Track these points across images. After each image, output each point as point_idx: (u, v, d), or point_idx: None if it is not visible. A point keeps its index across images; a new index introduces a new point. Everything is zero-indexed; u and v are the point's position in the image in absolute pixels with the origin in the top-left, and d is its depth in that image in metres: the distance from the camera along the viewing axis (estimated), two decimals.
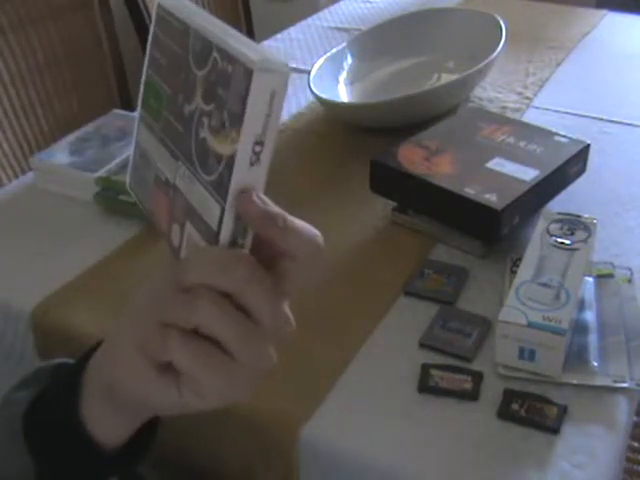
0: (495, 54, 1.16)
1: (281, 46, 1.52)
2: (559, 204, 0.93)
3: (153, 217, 0.49)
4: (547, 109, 1.25)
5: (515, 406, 0.68)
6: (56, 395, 0.49)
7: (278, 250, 0.40)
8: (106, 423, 0.47)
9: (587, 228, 0.82)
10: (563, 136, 0.98)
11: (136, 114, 0.52)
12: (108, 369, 0.45)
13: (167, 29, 0.47)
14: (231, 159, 0.39)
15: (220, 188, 0.40)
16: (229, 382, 0.40)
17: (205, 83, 0.41)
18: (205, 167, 0.41)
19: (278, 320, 0.40)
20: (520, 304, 0.72)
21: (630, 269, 0.84)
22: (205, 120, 0.41)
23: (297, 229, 0.40)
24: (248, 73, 0.37)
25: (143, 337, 0.41)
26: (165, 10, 0.47)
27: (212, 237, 0.41)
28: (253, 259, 0.40)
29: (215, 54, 0.40)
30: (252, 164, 0.39)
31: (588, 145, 0.97)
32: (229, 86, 0.39)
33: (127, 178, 0.53)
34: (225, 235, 0.40)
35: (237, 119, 0.38)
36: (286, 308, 0.41)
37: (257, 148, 0.39)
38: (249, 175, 0.39)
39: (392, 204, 0.96)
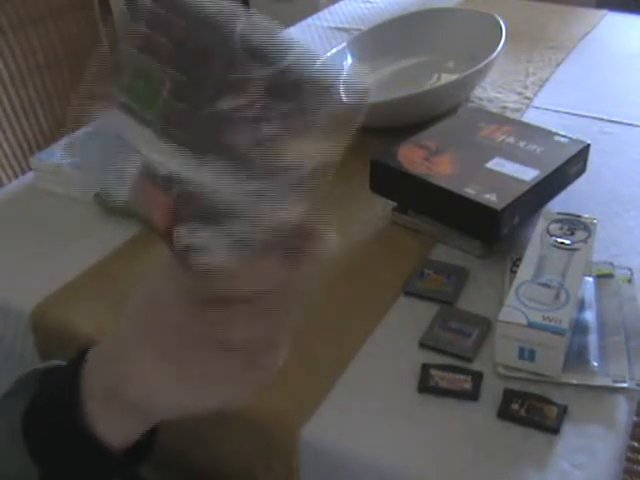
0: (495, 54, 1.16)
1: None
2: (559, 204, 0.93)
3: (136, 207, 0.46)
4: (547, 109, 1.25)
5: (515, 406, 0.68)
6: (54, 398, 0.49)
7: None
8: (114, 425, 0.47)
9: (587, 228, 0.82)
10: (563, 136, 0.98)
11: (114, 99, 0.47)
12: (120, 374, 0.45)
13: (177, 7, 0.43)
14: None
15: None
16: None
17: (273, 82, 0.40)
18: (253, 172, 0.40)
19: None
20: (520, 304, 0.72)
21: (630, 269, 0.84)
22: (275, 123, 0.39)
23: None
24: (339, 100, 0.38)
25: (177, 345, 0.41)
26: None
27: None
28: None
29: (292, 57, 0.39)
30: None
31: (588, 145, 0.97)
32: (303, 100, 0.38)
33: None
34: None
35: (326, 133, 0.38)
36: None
37: None
38: None
39: (392, 204, 0.96)
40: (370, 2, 1.77)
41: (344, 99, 0.37)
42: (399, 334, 0.77)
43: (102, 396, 0.46)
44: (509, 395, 0.69)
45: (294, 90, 0.39)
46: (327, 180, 0.40)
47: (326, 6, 1.77)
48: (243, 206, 0.40)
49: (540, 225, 0.83)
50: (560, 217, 0.84)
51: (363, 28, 1.43)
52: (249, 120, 0.40)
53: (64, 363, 0.52)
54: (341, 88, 0.37)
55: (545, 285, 0.74)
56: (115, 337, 0.46)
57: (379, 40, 1.35)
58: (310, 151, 0.39)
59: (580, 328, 0.76)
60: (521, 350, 0.70)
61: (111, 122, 0.45)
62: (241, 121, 0.40)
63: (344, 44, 1.33)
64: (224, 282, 0.40)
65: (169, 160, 0.43)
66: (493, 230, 0.85)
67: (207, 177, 0.41)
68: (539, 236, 0.81)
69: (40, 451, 0.49)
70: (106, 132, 0.45)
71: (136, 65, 0.44)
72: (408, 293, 0.83)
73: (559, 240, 0.80)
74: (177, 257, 0.43)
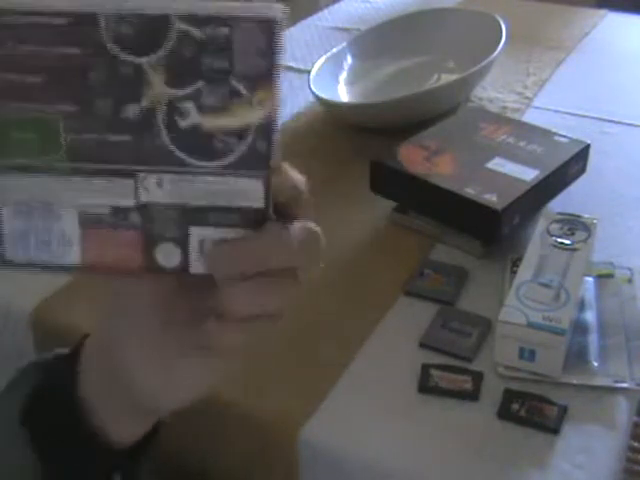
0: (495, 54, 1.16)
1: None
2: (559, 204, 0.93)
3: (96, 266, 0.41)
4: (547, 109, 1.25)
5: (515, 406, 0.68)
6: (54, 397, 0.49)
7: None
8: (119, 422, 0.47)
9: (587, 228, 0.82)
10: (563, 136, 0.98)
11: None
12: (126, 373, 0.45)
13: (25, 36, 0.36)
14: (265, 123, 0.36)
15: (253, 162, 0.37)
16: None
17: (170, 64, 0.36)
18: (208, 154, 0.37)
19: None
20: (520, 304, 0.72)
21: (630, 269, 0.84)
22: (188, 105, 0.36)
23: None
24: (268, 24, 0.34)
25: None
26: (5, 13, 0.36)
27: (258, 216, 0.38)
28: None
29: (179, 25, 0.35)
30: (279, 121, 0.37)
31: (588, 145, 0.97)
32: (231, 49, 0.35)
33: (4, 254, 0.42)
34: (271, 208, 0.38)
35: (263, 77, 0.35)
36: None
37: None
38: (279, 135, 0.37)
39: (392, 204, 0.96)
40: (370, 2, 1.77)
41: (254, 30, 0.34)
42: (399, 334, 0.77)
43: (99, 387, 0.47)
44: (509, 395, 0.69)
45: (193, 65, 0.36)
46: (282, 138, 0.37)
47: (326, 6, 1.77)
48: (208, 202, 0.38)
49: (540, 225, 0.83)
50: (560, 217, 0.84)
51: (363, 28, 1.43)
52: (164, 117, 0.37)
53: (66, 351, 0.52)
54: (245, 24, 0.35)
55: (545, 285, 0.74)
56: (99, 336, 0.47)
57: (379, 40, 1.35)
58: (242, 119, 0.36)
59: (580, 328, 0.76)
60: (521, 350, 0.70)
61: (16, 193, 0.39)
62: (155, 121, 0.37)
63: (344, 44, 1.33)
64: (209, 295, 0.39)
65: (104, 196, 0.39)
66: (493, 230, 0.85)
67: (155, 194, 0.38)
68: (539, 236, 0.81)
69: (39, 442, 0.49)
70: (19, 204, 0.39)
71: (16, 119, 0.38)
72: (408, 293, 0.83)
73: (559, 240, 0.80)
74: (168, 275, 0.40)
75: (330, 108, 1.19)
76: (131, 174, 0.38)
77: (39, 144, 0.38)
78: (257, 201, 0.38)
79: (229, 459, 0.73)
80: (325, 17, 1.69)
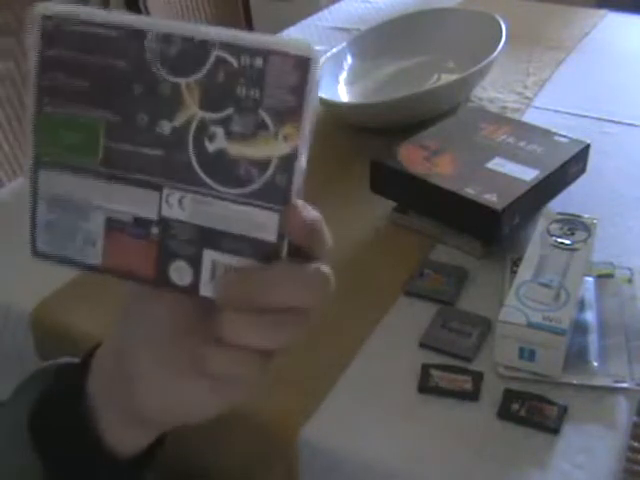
0: (495, 54, 1.16)
1: None
2: (559, 204, 0.93)
3: (113, 269, 0.43)
4: (547, 109, 1.25)
5: (515, 406, 0.68)
6: (61, 404, 0.49)
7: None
8: (123, 435, 0.47)
9: (587, 228, 0.82)
10: (563, 136, 0.98)
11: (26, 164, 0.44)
12: (128, 388, 0.44)
13: (79, 43, 0.39)
14: (287, 159, 0.36)
15: (271, 195, 0.37)
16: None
17: (205, 88, 0.37)
18: (230, 180, 0.37)
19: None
20: (520, 304, 0.72)
21: (630, 269, 0.84)
22: (217, 129, 0.37)
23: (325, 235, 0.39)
24: (302, 62, 0.35)
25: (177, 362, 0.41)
26: (66, 20, 0.39)
27: (271, 250, 0.38)
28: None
29: (218, 52, 0.36)
30: (305, 159, 0.37)
31: (588, 145, 0.97)
32: (263, 81, 0.36)
33: (32, 245, 0.45)
34: (285, 244, 0.38)
35: (292, 113, 0.36)
36: None
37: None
38: (303, 172, 0.37)
39: (392, 204, 0.96)
40: (370, 2, 1.77)
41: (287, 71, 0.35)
42: (399, 334, 0.77)
43: (105, 395, 0.46)
44: (509, 395, 0.69)
45: (226, 91, 0.37)
46: (310, 174, 0.38)
47: (326, 6, 1.77)
48: (223, 227, 0.38)
49: (540, 225, 0.83)
50: (560, 217, 0.84)
51: (363, 28, 1.43)
52: (194, 138, 0.38)
53: (77, 360, 0.52)
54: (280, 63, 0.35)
55: (545, 285, 0.74)
56: (114, 339, 0.47)
57: (379, 40, 1.35)
58: (265, 150, 0.37)
59: (580, 328, 0.76)
60: (521, 350, 0.70)
61: (55, 187, 0.42)
62: (185, 140, 0.38)
63: (344, 44, 1.33)
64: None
65: (131, 205, 0.40)
66: (493, 230, 0.85)
67: (175, 211, 0.39)
68: (539, 236, 0.81)
69: (44, 447, 0.49)
70: (56, 199, 0.42)
71: (64, 118, 0.41)
72: (408, 293, 0.83)
73: (559, 240, 0.80)
74: (177, 294, 0.40)
75: (330, 108, 1.19)
76: (157, 188, 0.39)
77: (81, 146, 0.40)
78: (271, 234, 0.38)
79: (229, 459, 0.73)
80: (325, 17, 1.69)
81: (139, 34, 0.37)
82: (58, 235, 0.43)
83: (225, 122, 0.37)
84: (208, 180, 0.38)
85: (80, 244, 0.43)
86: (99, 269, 0.43)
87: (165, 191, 0.39)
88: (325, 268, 0.40)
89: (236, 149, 0.37)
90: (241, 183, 0.37)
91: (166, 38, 0.37)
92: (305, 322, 0.40)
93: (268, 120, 0.36)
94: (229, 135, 0.37)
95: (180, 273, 0.40)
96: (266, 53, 0.36)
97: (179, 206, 0.39)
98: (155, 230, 0.40)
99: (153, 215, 0.40)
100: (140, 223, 0.40)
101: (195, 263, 0.39)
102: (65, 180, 0.41)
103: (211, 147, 0.38)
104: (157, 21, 0.37)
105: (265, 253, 0.38)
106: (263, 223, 0.38)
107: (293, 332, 0.39)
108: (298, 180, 0.37)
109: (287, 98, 0.36)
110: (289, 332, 0.39)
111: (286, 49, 0.35)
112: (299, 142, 0.36)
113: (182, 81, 0.37)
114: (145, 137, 0.39)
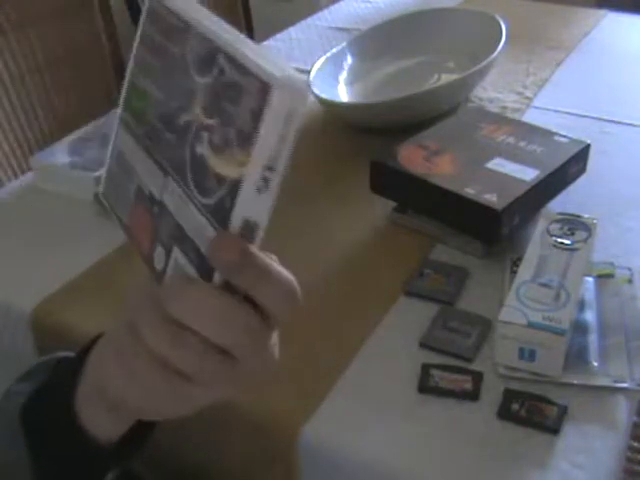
0: (495, 54, 1.16)
1: (281, 46, 1.52)
2: (559, 204, 0.93)
3: (131, 234, 0.44)
4: (547, 109, 1.25)
5: (515, 406, 0.68)
6: (53, 389, 0.50)
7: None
8: (100, 419, 0.48)
9: (587, 228, 0.82)
10: (563, 136, 0.98)
11: (117, 115, 0.47)
12: (98, 371, 0.46)
13: (162, 26, 0.42)
14: (236, 183, 0.34)
15: (219, 214, 0.36)
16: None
17: (208, 93, 0.37)
18: (202, 188, 0.37)
19: (265, 365, 0.40)
20: (520, 304, 0.72)
21: (630, 269, 0.84)
22: (205, 135, 0.37)
23: (274, 282, 0.37)
24: (265, 89, 0.33)
25: (120, 346, 0.41)
26: (160, 3, 0.42)
27: (205, 270, 0.37)
28: (250, 310, 0.37)
29: (222, 61, 0.36)
30: (259, 191, 0.34)
31: (588, 145, 0.97)
32: (239, 100, 0.35)
33: (101, 186, 0.48)
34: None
35: (247, 139, 0.34)
36: (273, 348, 0.40)
37: (267, 174, 0.34)
38: (255, 204, 0.35)
39: (392, 204, 0.96)
40: (370, 2, 1.77)
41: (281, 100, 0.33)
42: (399, 334, 0.77)
43: (93, 392, 0.47)
44: (509, 395, 0.69)
45: (218, 100, 0.37)
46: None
47: (326, 6, 1.77)
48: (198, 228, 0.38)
49: (540, 225, 0.83)
50: (560, 217, 0.84)
51: (363, 28, 1.43)
52: (193, 135, 0.38)
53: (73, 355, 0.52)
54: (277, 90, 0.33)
55: (545, 285, 0.74)
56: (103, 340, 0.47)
57: (379, 40, 1.35)
58: (225, 169, 0.36)
59: (580, 328, 0.76)
60: (521, 350, 0.70)
61: (122, 145, 0.46)
62: (187, 136, 0.38)
63: (344, 44, 1.33)
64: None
65: (149, 179, 0.42)
66: (493, 230, 0.85)
67: (168, 198, 0.40)
68: (539, 236, 0.81)
69: (35, 442, 0.49)
70: (106, 132, 0.47)
71: (134, 82, 0.45)
72: (408, 293, 0.83)
73: (559, 240, 0.80)
74: (154, 277, 0.41)
75: (330, 108, 1.19)
76: (165, 173, 0.41)
77: (141, 116, 0.44)
78: (207, 253, 0.37)
79: (229, 459, 0.73)
80: (325, 17, 1.69)
81: (189, 28, 0.39)
82: (114, 186, 0.47)
83: (211, 129, 0.37)
84: (191, 182, 0.38)
85: (123, 201, 0.45)
86: (126, 229, 0.46)
87: (169, 178, 0.40)
88: (252, 317, 0.37)
89: (212, 159, 0.37)
90: (207, 194, 0.37)
91: (202, 37, 0.38)
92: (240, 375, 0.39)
93: (234, 140, 0.35)
94: (210, 143, 0.37)
95: (159, 258, 0.41)
96: (248, 72, 0.34)
97: (171, 196, 0.40)
98: (156, 210, 0.41)
99: (158, 195, 0.41)
100: (152, 199, 0.42)
101: (168, 255, 0.40)
102: (128, 141, 0.45)
103: (198, 150, 0.38)
104: (198, 15, 0.39)
105: (207, 271, 0.37)
106: (207, 237, 0.37)
107: (221, 371, 0.39)
108: (245, 210, 0.35)
109: (248, 123, 0.34)
110: (216, 369, 0.38)
111: (260, 72, 0.33)
112: (247, 171, 0.34)
113: (200, 81, 0.38)
114: (170, 123, 0.40)
